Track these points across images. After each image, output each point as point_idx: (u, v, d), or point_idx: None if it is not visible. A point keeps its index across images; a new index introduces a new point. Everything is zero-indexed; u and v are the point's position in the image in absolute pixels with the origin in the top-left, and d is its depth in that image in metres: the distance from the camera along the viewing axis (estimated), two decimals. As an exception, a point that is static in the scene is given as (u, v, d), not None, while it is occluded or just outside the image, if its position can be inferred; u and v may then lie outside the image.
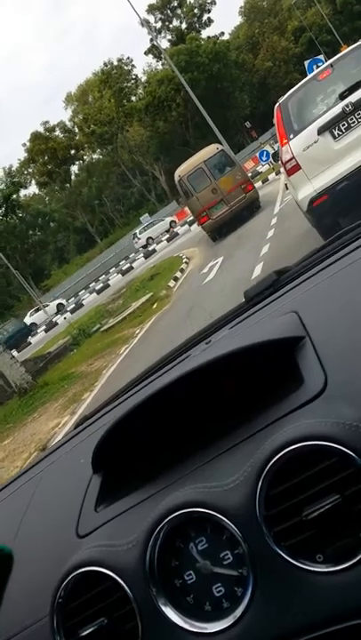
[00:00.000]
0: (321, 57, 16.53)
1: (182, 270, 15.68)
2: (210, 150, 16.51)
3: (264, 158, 25.24)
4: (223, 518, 0.69)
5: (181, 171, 16.47)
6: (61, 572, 0.78)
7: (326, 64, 6.09)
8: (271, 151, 23.86)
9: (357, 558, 0.64)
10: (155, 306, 12.95)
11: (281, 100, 5.97)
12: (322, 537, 0.66)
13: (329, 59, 7.29)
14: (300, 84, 6.11)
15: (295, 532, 0.67)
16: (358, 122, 5.29)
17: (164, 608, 0.72)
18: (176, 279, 14.80)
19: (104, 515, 0.87)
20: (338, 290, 0.98)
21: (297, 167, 5.54)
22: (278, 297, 1.14)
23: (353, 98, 5.27)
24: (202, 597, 0.73)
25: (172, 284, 14.46)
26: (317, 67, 14.33)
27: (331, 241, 1.21)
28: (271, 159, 23.06)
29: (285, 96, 5.98)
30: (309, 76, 6.15)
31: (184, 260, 16.95)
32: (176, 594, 0.73)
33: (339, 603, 0.65)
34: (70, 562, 0.78)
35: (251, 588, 0.69)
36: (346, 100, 5.30)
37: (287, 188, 14.22)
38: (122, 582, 0.74)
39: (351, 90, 5.31)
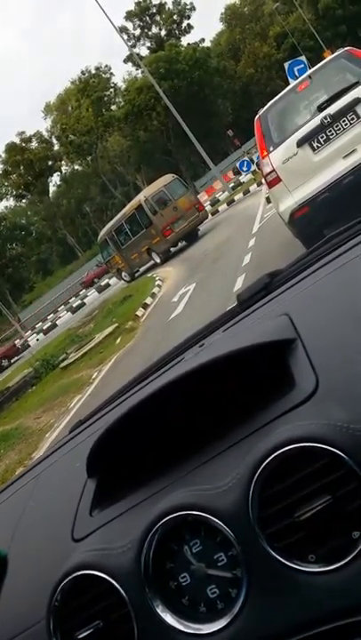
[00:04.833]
0: (302, 58, 15.12)
1: (153, 295, 14.38)
2: (167, 178, 20.59)
3: (245, 168, 24.16)
4: (217, 520, 0.70)
5: (146, 193, 20.27)
6: (57, 576, 0.78)
7: (305, 75, 6.05)
8: (255, 161, 22.93)
9: (349, 558, 0.65)
10: (118, 341, 11.63)
11: (260, 111, 5.97)
12: (314, 537, 0.67)
13: (312, 64, 7.25)
14: (278, 95, 6.08)
15: (288, 533, 0.67)
16: (337, 134, 5.28)
17: (159, 610, 0.73)
18: (146, 306, 13.54)
19: (99, 518, 0.87)
20: (329, 292, 0.99)
21: (277, 179, 5.53)
22: (270, 300, 1.15)
23: (331, 110, 5.26)
24: (197, 599, 0.73)
25: (140, 312, 13.19)
26: (298, 73, 13.78)
27: (321, 244, 1.20)
28: (256, 167, 22.33)
29: (265, 108, 5.97)
30: (288, 88, 6.14)
31: (157, 283, 15.72)
32: (171, 596, 0.74)
33: (331, 602, 0.66)
34: (66, 565, 0.79)
35: (245, 588, 0.69)
36: (324, 112, 5.28)
37: (268, 202, 13.29)
38: (117, 585, 0.75)
39: (329, 101, 5.32)
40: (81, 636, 0.76)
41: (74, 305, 32.60)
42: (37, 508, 1.15)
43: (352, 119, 5.20)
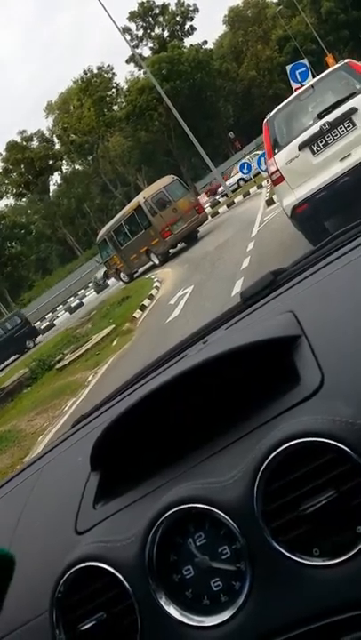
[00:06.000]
0: (304, 61, 15.07)
1: (151, 297, 14.31)
2: (167, 179, 20.46)
3: (245, 171, 24.14)
4: (221, 514, 0.70)
5: (146, 194, 20.05)
6: (61, 568, 0.78)
7: (308, 84, 6.71)
8: (253, 164, 22.87)
9: (353, 552, 0.65)
10: (115, 342, 11.54)
11: (268, 116, 6.62)
12: (318, 532, 0.67)
13: (314, 67, 8.11)
14: (284, 102, 6.72)
15: (292, 527, 0.68)
16: (334, 139, 5.84)
17: (162, 603, 0.73)
18: (143, 308, 13.45)
19: (103, 511, 0.87)
20: (334, 289, 0.99)
21: (281, 178, 6.11)
22: (275, 297, 1.14)
23: (330, 117, 5.84)
24: (200, 592, 0.73)
25: (137, 314, 13.13)
26: (300, 76, 13.87)
27: (326, 242, 1.21)
28: (255, 170, 22.33)
29: (272, 113, 6.63)
30: (293, 96, 6.78)
31: (155, 285, 15.64)
32: (175, 589, 0.74)
33: (335, 596, 0.66)
34: (69, 557, 0.79)
35: (248, 582, 0.70)
36: (324, 120, 5.85)
37: (268, 205, 13.23)
38: (121, 577, 0.75)
39: (328, 110, 5.90)
40: (84, 627, 0.76)
41: (72, 305, 32.55)
42: (40, 500, 1.15)
43: (348, 126, 5.82)
